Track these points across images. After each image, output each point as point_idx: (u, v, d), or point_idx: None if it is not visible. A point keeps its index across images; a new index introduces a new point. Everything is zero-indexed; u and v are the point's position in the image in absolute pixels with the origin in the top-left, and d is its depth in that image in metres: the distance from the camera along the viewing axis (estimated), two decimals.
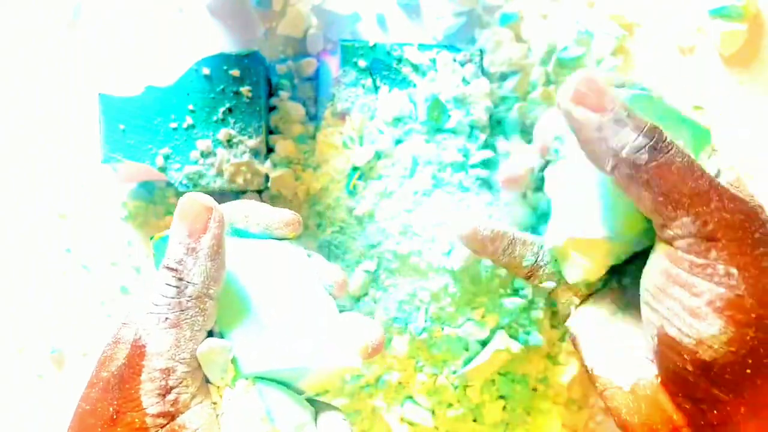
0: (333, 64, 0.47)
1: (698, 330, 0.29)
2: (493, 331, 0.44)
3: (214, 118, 0.44)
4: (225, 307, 0.32)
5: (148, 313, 0.29)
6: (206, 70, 0.43)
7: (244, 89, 0.44)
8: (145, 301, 0.30)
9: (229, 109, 0.44)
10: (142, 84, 0.43)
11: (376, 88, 0.45)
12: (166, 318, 0.29)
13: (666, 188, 0.30)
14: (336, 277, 0.35)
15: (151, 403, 0.28)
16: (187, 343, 0.29)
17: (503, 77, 0.47)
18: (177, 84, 0.43)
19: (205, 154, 0.43)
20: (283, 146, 0.45)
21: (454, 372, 0.44)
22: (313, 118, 0.47)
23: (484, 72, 0.46)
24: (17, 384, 0.47)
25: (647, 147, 0.30)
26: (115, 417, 0.28)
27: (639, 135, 0.31)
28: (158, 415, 0.28)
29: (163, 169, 0.43)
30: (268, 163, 0.44)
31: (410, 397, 0.45)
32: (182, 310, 0.29)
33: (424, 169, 0.44)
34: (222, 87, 0.44)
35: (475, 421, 0.45)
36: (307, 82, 0.47)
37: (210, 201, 0.31)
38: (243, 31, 0.48)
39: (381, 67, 0.45)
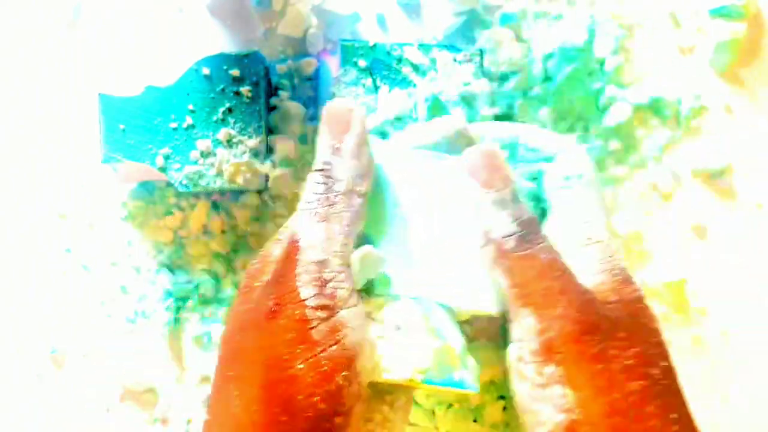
0: (333, 64, 0.47)
1: None
2: None
3: (214, 118, 0.44)
4: (376, 215, 0.32)
5: (301, 211, 0.30)
6: (206, 70, 0.43)
7: (244, 89, 0.44)
8: (299, 206, 0.31)
9: (229, 109, 0.44)
10: (142, 84, 0.43)
11: (376, 88, 0.45)
12: (316, 212, 0.30)
13: (521, 281, 0.30)
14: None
15: (309, 294, 0.28)
16: (338, 236, 0.30)
17: (503, 77, 0.47)
18: (177, 84, 0.43)
19: (205, 154, 0.43)
20: (283, 146, 0.45)
21: None
22: (313, 118, 0.47)
23: (484, 72, 0.46)
24: (17, 384, 0.47)
25: (516, 236, 0.30)
26: (275, 309, 0.28)
27: (513, 222, 0.31)
28: (318, 308, 0.28)
29: (163, 169, 0.43)
30: (268, 163, 0.44)
31: None
32: (330, 205, 0.30)
33: None
34: (222, 87, 0.44)
35: (475, 421, 0.45)
36: (307, 82, 0.47)
37: (351, 102, 0.32)
38: (243, 31, 0.48)
39: (381, 66, 0.45)
